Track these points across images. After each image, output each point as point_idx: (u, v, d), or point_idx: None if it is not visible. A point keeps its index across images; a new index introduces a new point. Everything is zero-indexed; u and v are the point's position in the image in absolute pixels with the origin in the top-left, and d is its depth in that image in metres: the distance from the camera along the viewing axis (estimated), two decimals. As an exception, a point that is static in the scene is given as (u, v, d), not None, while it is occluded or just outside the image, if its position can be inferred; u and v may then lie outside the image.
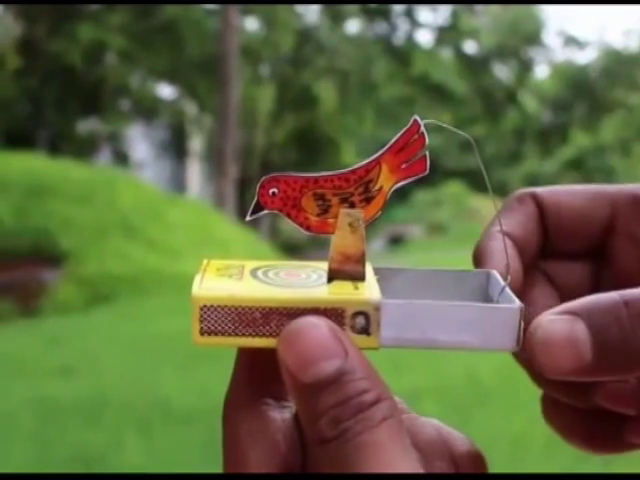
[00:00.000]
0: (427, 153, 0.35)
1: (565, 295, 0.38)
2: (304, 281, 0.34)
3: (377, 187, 0.35)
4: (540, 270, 0.41)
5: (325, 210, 0.35)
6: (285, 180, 0.35)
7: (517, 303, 0.33)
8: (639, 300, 0.32)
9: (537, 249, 0.41)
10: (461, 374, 3.65)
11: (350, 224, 0.34)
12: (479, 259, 0.39)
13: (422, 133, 0.34)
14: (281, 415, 0.34)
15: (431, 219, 15.45)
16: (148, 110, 14.56)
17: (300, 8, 16.09)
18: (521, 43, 18.81)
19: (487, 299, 0.37)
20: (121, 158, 14.04)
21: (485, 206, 15.47)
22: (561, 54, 20.52)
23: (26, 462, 2.93)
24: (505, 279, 0.36)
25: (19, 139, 11.29)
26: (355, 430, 0.30)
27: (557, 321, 0.32)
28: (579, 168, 16.58)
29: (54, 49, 12.77)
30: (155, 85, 15.32)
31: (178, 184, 15.24)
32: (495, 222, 0.40)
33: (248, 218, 0.35)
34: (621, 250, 0.40)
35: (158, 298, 6.27)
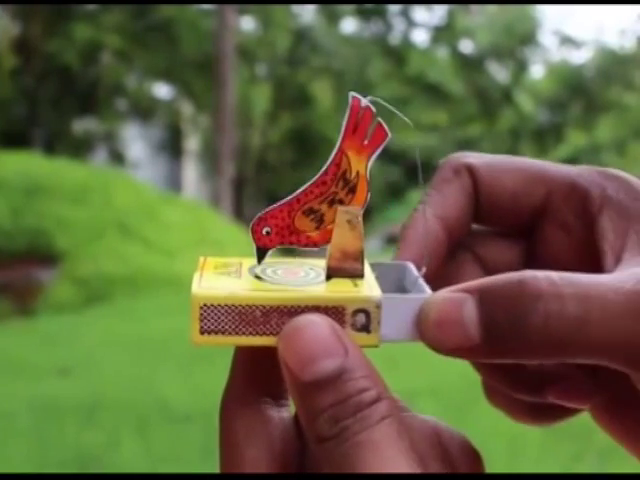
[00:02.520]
0: (379, 119, 0.34)
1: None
2: (303, 279, 0.34)
3: (354, 174, 0.35)
4: (469, 249, 0.40)
5: (320, 221, 0.35)
6: (272, 215, 0.35)
7: (429, 292, 0.33)
8: (536, 280, 0.31)
9: (468, 227, 0.40)
10: (457, 373, 3.65)
11: (348, 221, 0.34)
12: (400, 242, 0.38)
13: (365, 106, 0.34)
14: (279, 414, 0.34)
15: (427, 218, 15.40)
16: (144, 110, 14.54)
17: (296, 8, 16.08)
18: (517, 43, 18.81)
19: (404, 290, 0.36)
20: (117, 158, 14.01)
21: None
22: (557, 54, 20.51)
23: (23, 462, 2.93)
24: (420, 269, 0.36)
25: (15, 138, 11.27)
26: (354, 429, 0.30)
27: (449, 299, 0.32)
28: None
29: (50, 49, 12.75)
30: (151, 85, 15.30)
31: (174, 184, 15.22)
32: (424, 197, 0.39)
33: (258, 264, 0.35)
34: (551, 235, 0.39)
35: (154, 298, 6.27)
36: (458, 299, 0.31)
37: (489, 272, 0.39)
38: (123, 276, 6.75)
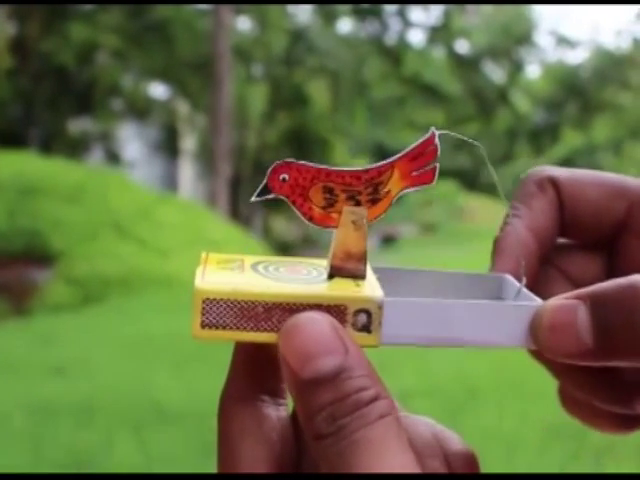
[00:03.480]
0: (437, 165, 0.35)
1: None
2: (305, 277, 0.35)
3: (386, 190, 0.35)
4: (553, 263, 0.41)
5: (331, 204, 0.35)
6: (297, 168, 0.35)
7: (538, 301, 0.34)
8: None
9: (556, 239, 0.41)
10: (452, 374, 3.65)
11: (354, 222, 0.34)
12: (496, 254, 0.39)
13: (436, 145, 0.35)
14: (276, 412, 0.34)
15: (423, 218, 15.45)
16: (140, 110, 14.53)
17: (292, 8, 16.08)
18: (513, 43, 18.83)
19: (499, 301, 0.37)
20: (113, 158, 14.00)
21: (476, 205, 15.49)
22: (553, 54, 20.55)
23: (18, 462, 2.92)
24: (520, 280, 0.36)
25: (11, 139, 11.25)
26: (352, 427, 0.30)
27: (561, 305, 0.33)
28: (571, 167, 16.54)
29: (46, 49, 12.74)
30: (147, 85, 15.29)
31: (170, 183, 15.21)
32: (514, 211, 0.40)
33: (253, 199, 0.35)
34: (632, 248, 0.40)
35: (150, 298, 6.26)
36: (571, 305, 0.32)
37: (574, 284, 0.40)
38: (119, 276, 6.75)
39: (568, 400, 0.41)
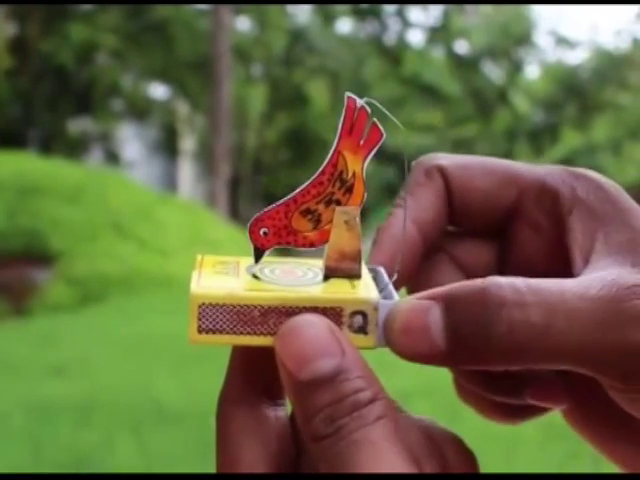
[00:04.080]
0: (374, 119, 0.35)
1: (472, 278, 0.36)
2: (301, 279, 0.35)
3: (350, 174, 0.35)
4: (444, 251, 0.40)
5: (317, 221, 0.35)
6: (269, 215, 0.35)
7: (395, 299, 0.33)
8: (500, 289, 0.31)
9: (443, 229, 0.40)
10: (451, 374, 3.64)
11: (346, 222, 0.34)
12: (374, 246, 0.38)
13: (360, 106, 0.35)
14: (275, 414, 0.34)
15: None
16: (140, 110, 14.52)
17: (291, 8, 16.08)
18: (512, 43, 18.82)
19: None
20: (112, 158, 14.00)
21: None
22: (552, 54, 20.53)
23: (18, 462, 2.92)
24: (392, 275, 0.36)
25: (10, 139, 11.25)
26: (350, 428, 0.30)
27: (415, 306, 0.32)
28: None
29: (46, 49, 12.74)
30: (147, 85, 15.28)
31: (169, 184, 15.21)
32: (399, 201, 0.39)
33: (256, 265, 0.35)
34: (522, 236, 0.39)
35: (149, 298, 6.26)
36: (424, 306, 0.32)
37: (465, 273, 0.40)
38: (118, 276, 6.74)
39: (462, 391, 0.41)
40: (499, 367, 0.32)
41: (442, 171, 0.39)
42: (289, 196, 0.35)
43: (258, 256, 0.35)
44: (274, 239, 0.35)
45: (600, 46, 18.94)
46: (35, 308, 6.37)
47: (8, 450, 3.04)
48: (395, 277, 0.36)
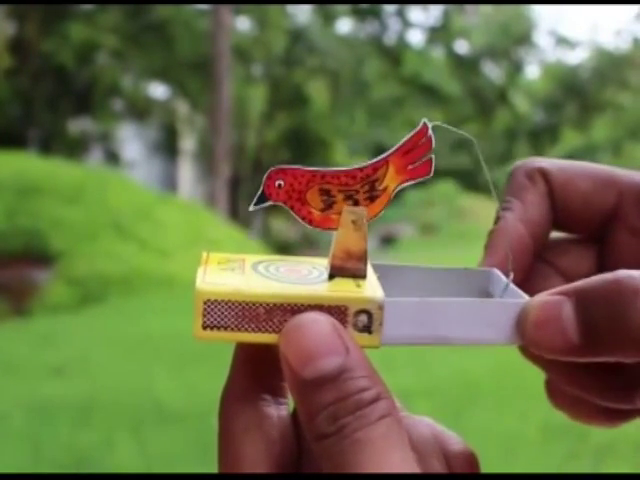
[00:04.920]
0: (433, 156, 0.35)
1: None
2: (306, 277, 0.35)
3: (382, 186, 0.35)
4: (546, 259, 0.41)
5: (329, 205, 0.35)
6: (292, 173, 0.35)
7: (525, 297, 0.34)
8: (632, 279, 0.31)
9: (549, 231, 0.40)
10: (452, 374, 3.65)
11: (354, 222, 0.34)
12: (487, 249, 0.39)
13: (429, 136, 0.35)
14: (277, 412, 0.34)
15: (423, 218, 15.44)
16: (140, 110, 14.53)
17: (291, 8, 16.08)
18: (512, 43, 18.83)
19: (488, 296, 0.37)
20: (112, 158, 14.01)
21: (476, 205, 15.48)
22: (552, 54, 20.54)
23: (17, 462, 2.92)
24: (507, 275, 0.36)
25: (10, 139, 11.25)
26: (353, 426, 0.30)
27: (547, 302, 0.33)
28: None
29: (46, 49, 12.74)
30: (147, 85, 15.29)
31: (170, 184, 15.21)
32: (506, 204, 0.39)
33: (252, 208, 0.35)
34: (622, 240, 0.40)
35: (149, 298, 6.26)
36: (556, 301, 0.32)
37: (565, 277, 0.40)
38: (118, 276, 6.74)
39: (556, 394, 0.41)
40: (633, 358, 0.32)
41: (544, 174, 0.40)
42: (320, 169, 0.35)
43: (259, 202, 0.35)
44: (283, 195, 0.35)
45: (600, 46, 18.94)
46: (35, 308, 6.37)
47: (8, 450, 3.04)
48: (512, 276, 0.36)
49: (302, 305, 0.32)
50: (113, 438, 3.12)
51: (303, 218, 0.35)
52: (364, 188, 0.35)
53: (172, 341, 4.42)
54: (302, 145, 15.02)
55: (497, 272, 0.37)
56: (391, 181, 0.35)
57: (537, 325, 0.32)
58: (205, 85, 13.29)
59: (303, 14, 16.65)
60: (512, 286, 0.36)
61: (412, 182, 0.35)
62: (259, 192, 0.35)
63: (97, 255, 6.92)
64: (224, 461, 0.33)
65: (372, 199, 0.35)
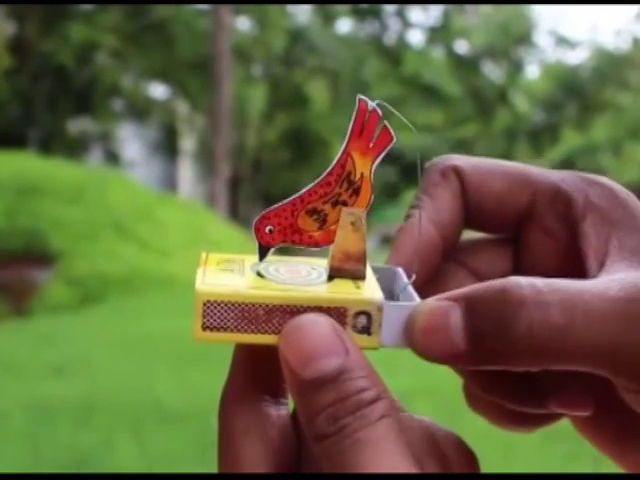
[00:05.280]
0: (386, 122, 0.35)
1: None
2: (305, 278, 0.35)
3: (358, 176, 0.35)
4: (458, 257, 0.40)
5: (323, 221, 0.35)
6: (274, 213, 0.35)
7: (417, 301, 0.33)
8: (519, 288, 0.31)
9: (461, 230, 0.40)
10: (452, 374, 3.65)
11: (352, 223, 0.34)
12: (393, 247, 0.38)
13: (372, 109, 0.34)
14: (277, 412, 0.34)
15: (422, 219, 15.42)
16: (140, 110, 14.53)
17: (291, 8, 16.09)
18: (512, 43, 18.82)
19: (392, 296, 0.36)
20: (112, 158, 14.01)
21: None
22: (552, 54, 20.53)
23: (17, 462, 2.92)
24: (409, 277, 0.36)
25: (10, 139, 11.25)
26: (353, 427, 0.30)
27: (436, 307, 0.32)
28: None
29: (45, 49, 12.75)
30: (147, 85, 15.30)
31: (170, 184, 15.22)
32: (417, 202, 0.39)
33: (261, 263, 0.35)
34: (536, 240, 0.39)
35: (149, 298, 6.27)
36: (445, 307, 0.32)
37: (479, 278, 0.39)
38: (118, 276, 6.75)
39: (474, 399, 0.41)
40: (519, 367, 0.32)
41: (458, 172, 0.39)
42: (296, 195, 0.35)
43: (262, 254, 0.35)
44: (279, 237, 0.35)
45: (600, 46, 18.93)
46: (35, 308, 6.37)
47: (8, 450, 3.04)
48: (413, 278, 0.35)
49: (301, 306, 0.32)
50: (113, 438, 3.13)
51: (308, 245, 0.35)
52: (343, 187, 0.35)
53: (172, 341, 4.42)
54: (302, 145, 15.03)
55: (400, 271, 0.37)
56: (363, 167, 0.35)
57: (425, 331, 0.32)
58: (205, 85, 13.30)
59: (303, 14, 16.66)
60: (409, 288, 0.35)
61: (382, 155, 0.35)
62: (257, 245, 0.35)
63: (97, 255, 6.93)
64: (224, 461, 0.33)
65: (356, 192, 0.35)
